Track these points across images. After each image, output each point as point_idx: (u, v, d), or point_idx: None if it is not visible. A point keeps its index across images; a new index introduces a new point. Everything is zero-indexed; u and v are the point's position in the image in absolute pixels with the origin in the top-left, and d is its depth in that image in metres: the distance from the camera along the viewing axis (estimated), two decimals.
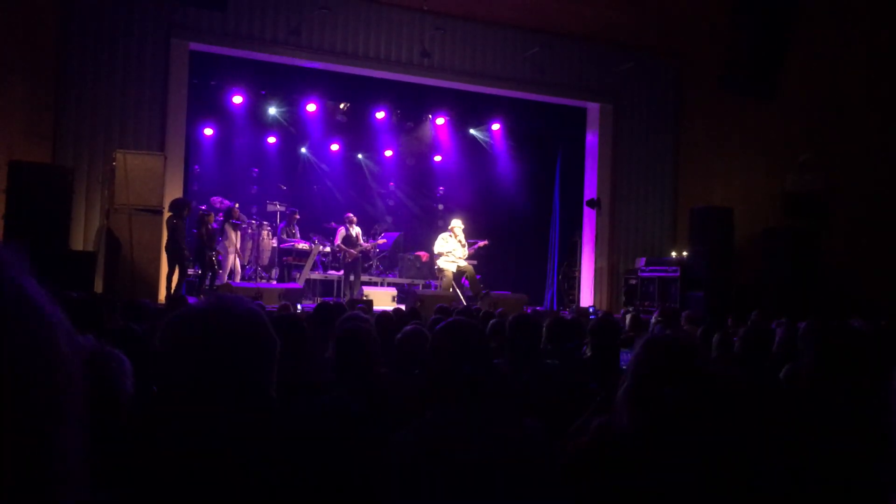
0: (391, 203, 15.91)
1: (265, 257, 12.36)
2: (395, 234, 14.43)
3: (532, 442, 1.91)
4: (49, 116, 9.72)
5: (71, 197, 8.95)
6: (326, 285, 12.80)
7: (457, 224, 11.78)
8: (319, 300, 9.11)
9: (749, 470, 2.18)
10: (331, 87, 12.58)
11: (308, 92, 12.81)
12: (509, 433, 1.91)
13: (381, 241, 13.56)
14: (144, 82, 10.27)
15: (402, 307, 8.71)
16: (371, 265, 13.51)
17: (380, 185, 15.78)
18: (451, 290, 11.28)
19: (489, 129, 14.61)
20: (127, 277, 8.88)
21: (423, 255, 13.35)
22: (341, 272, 12.36)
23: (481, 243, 12.33)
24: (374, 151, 15.47)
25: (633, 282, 12.25)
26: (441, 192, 15.65)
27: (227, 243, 11.18)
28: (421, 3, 11.49)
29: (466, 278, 11.66)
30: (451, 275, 11.44)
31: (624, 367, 2.22)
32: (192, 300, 6.09)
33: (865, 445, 2.15)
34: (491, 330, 4.71)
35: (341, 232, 12.33)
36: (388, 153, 15.44)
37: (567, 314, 9.34)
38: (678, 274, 11.25)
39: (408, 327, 3.97)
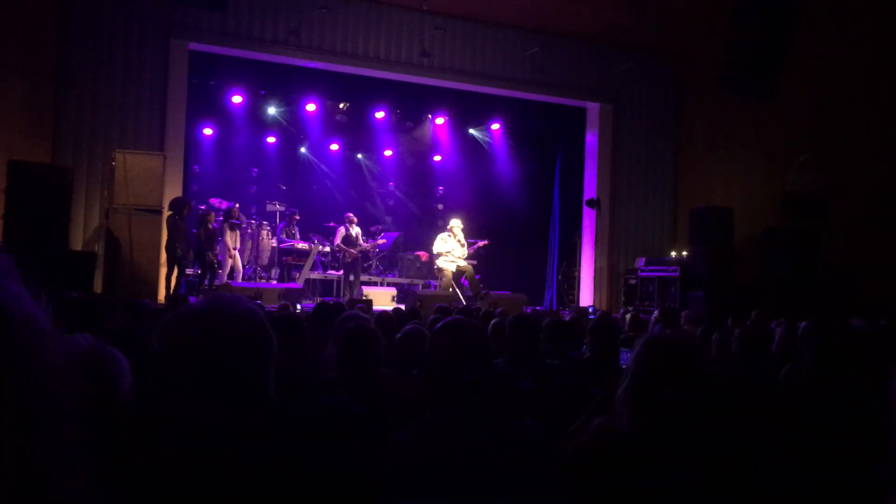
0: (391, 203, 15.91)
1: (265, 257, 12.36)
2: (395, 234, 14.43)
3: (532, 442, 1.91)
4: (49, 116, 9.72)
5: (70, 197, 8.95)
6: (326, 285, 12.80)
7: (455, 224, 11.77)
8: (319, 300, 9.11)
9: (749, 470, 2.18)
10: (330, 86, 12.58)
11: (308, 92, 12.80)
12: (509, 433, 1.90)
13: (380, 242, 13.55)
14: (144, 82, 10.28)
15: (402, 307, 8.71)
16: (371, 265, 13.51)
17: (379, 184, 15.78)
18: (450, 289, 11.28)
19: (489, 129, 14.61)
20: (126, 277, 8.88)
21: (423, 254, 13.35)
22: (341, 272, 12.36)
23: (481, 243, 12.33)
24: (373, 151, 15.47)
25: (633, 282, 12.25)
26: (441, 191, 15.64)
27: (226, 243, 11.17)
28: (420, 2, 11.49)
29: (466, 278, 11.66)
30: (450, 275, 11.44)
31: (623, 367, 2.22)
32: (192, 300, 6.08)
33: (865, 445, 2.14)
34: (492, 330, 4.70)
35: (341, 232, 12.33)
36: (388, 153, 15.44)
37: (566, 314, 9.34)
38: (678, 274, 11.25)
39: (407, 327, 3.97)
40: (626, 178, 13.35)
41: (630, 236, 13.31)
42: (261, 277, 12.01)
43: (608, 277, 13.05)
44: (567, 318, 6.44)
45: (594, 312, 9.52)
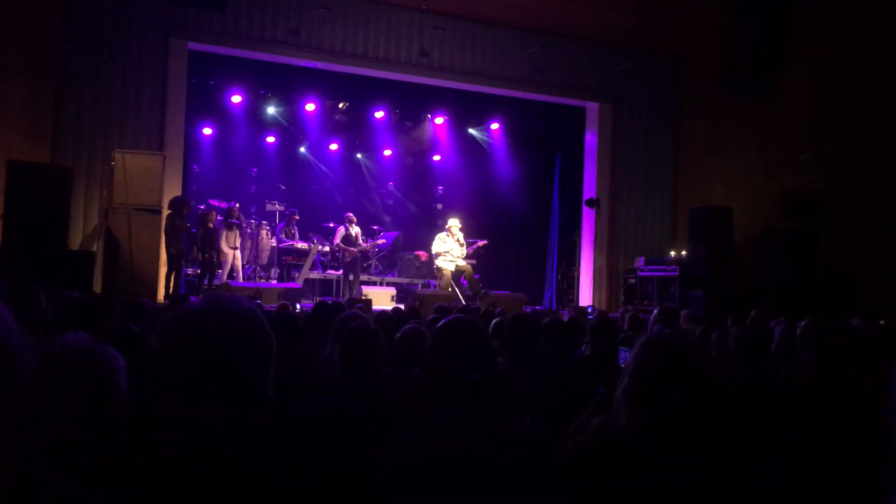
0: (390, 202, 15.90)
1: (264, 257, 12.37)
2: (395, 234, 14.43)
3: (532, 442, 1.91)
4: (48, 116, 9.71)
5: (70, 197, 8.94)
6: (325, 285, 12.80)
7: (453, 223, 11.78)
8: (318, 300, 9.11)
9: (748, 469, 2.18)
10: (330, 86, 12.57)
11: (307, 91, 12.80)
12: (509, 433, 1.90)
13: (380, 242, 13.56)
14: (143, 82, 10.27)
15: (401, 307, 8.71)
16: (370, 265, 13.51)
17: (379, 184, 15.77)
18: (449, 289, 11.28)
19: (488, 129, 14.61)
20: (126, 277, 8.88)
21: (423, 254, 13.35)
22: (340, 272, 12.36)
23: (480, 243, 12.33)
24: (373, 151, 15.46)
25: (633, 281, 12.25)
26: (440, 191, 15.64)
27: (226, 243, 11.18)
28: (420, 2, 11.49)
29: (465, 278, 11.67)
30: (449, 274, 11.44)
31: (623, 366, 2.22)
32: (193, 300, 6.08)
33: (864, 445, 2.15)
34: (494, 330, 4.70)
35: (341, 231, 12.34)
36: (388, 153, 15.43)
37: (566, 314, 9.34)
38: (677, 273, 11.25)
39: (407, 326, 3.97)
40: (626, 177, 13.35)
41: (629, 236, 13.31)
42: (260, 277, 12.01)
43: (607, 277, 13.06)
44: (566, 318, 6.44)
45: (592, 312, 9.52)
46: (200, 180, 13.73)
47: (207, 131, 13.76)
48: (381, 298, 11.66)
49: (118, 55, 10.11)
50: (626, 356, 3.29)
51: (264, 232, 12.37)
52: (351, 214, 12.58)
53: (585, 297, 13.03)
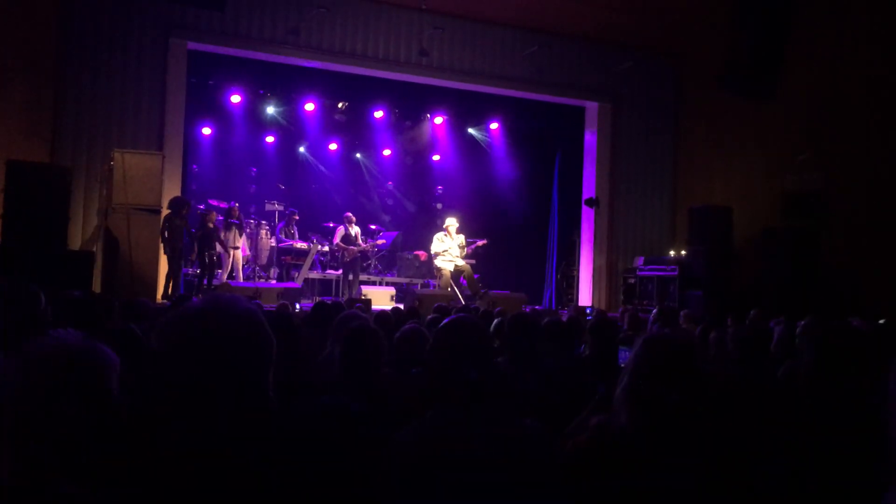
0: (390, 202, 15.90)
1: (263, 257, 12.37)
2: (394, 234, 14.43)
3: (532, 442, 1.91)
4: (47, 116, 9.71)
5: (69, 196, 8.94)
6: (325, 284, 12.80)
7: (451, 222, 11.78)
8: (318, 299, 9.11)
9: (747, 469, 2.18)
10: (329, 86, 12.58)
11: (306, 91, 12.80)
12: (509, 433, 1.90)
13: (380, 242, 13.56)
14: (143, 82, 10.27)
15: (401, 306, 8.71)
16: (369, 264, 13.51)
17: (378, 184, 15.77)
18: (449, 289, 11.28)
19: (488, 129, 14.61)
20: (126, 277, 8.88)
21: (422, 254, 13.35)
22: (340, 271, 12.36)
23: (480, 242, 12.33)
24: (372, 151, 15.45)
25: (632, 281, 12.25)
26: (439, 191, 15.63)
27: (226, 243, 11.18)
28: (419, 2, 11.49)
29: (465, 277, 11.67)
30: (448, 274, 11.44)
31: (622, 366, 2.22)
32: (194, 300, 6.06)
33: (863, 444, 2.15)
34: (494, 330, 4.70)
35: (340, 231, 12.34)
36: (387, 152, 15.43)
37: (565, 313, 9.34)
38: (677, 273, 11.25)
39: (406, 326, 3.97)
40: (626, 177, 13.35)
41: (629, 235, 13.31)
42: (259, 277, 12.01)
43: (607, 276, 13.06)
44: (566, 318, 6.44)
45: (591, 313, 9.52)
46: (200, 180, 13.73)
47: (207, 131, 13.76)
48: (381, 298, 11.66)
49: (118, 55, 10.10)
50: (625, 356, 3.29)
51: (263, 232, 12.37)
52: (350, 214, 12.58)
53: (585, 297, 13.04)
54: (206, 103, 12.45)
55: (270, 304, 8.28)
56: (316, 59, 11.48)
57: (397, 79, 12.24)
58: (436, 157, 15.58)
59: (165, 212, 9.50)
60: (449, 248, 11.58)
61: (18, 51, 9.52)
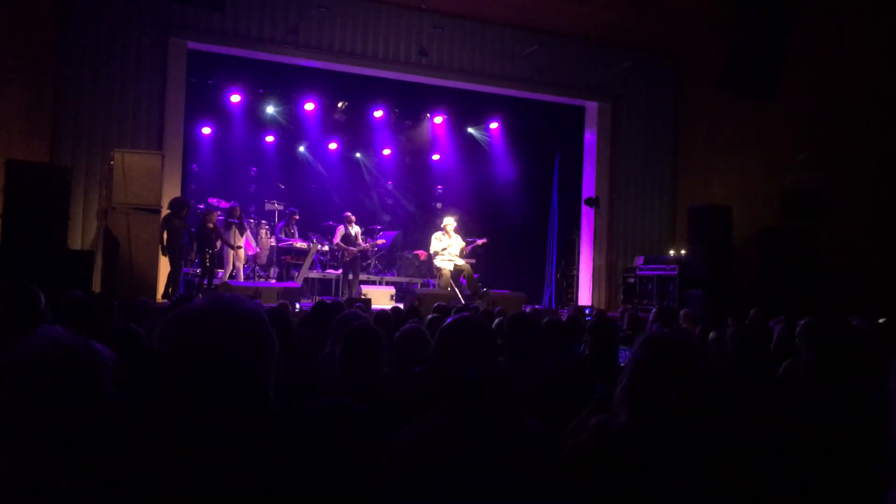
0: (389, 202, 15.91)
1: (263, 256, 12.37)
2: (394, 233, 14.43)
3: (532, 442, 1.91)
4: (47, 116, 9.71)
5: (69, 196, 8.93)
6: (325, 284, 12.80)
7: (449, 221, 11.79)
8: (318, 299, 9.11)
9: (747, 468, 2.18)
10: (329, 85, 12.58)
11: (306, 91, 12.80)
12: (510, 433, 1.90)
13: (379, 242, 13.56)
14: (142, 81, 10.26)
15: (401, 306, 8.71)
16: (369, 264, 13.51)
17: (378, 183, 15.77)
18: (449, 288, 11.28)
19: (487, 128, 14.61)
20: (126, 276, 8.88)
21: (422, 253, 13.35)
22: (339, 271, 12.37)
23: (479, 242, 12.33)
24: (372, 150, 15.45)
25: (632, 280, 12.26)
26: (439, 190, 15.64)
27: (229, 242, 11.18)
28: (419, 1, 11.49)
29: (464, 277, 11.67)
30: (448, 273, 11.45)
31: (622, 365, 2.22)
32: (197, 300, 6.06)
33: (863, 443, 2.15)
34: (495, 329, 4.70)
35: (340, 231, 12.35)
36: (387, 152, 15.43)
37: (565, 313, 9.34)
38: (676, 272, 11.25)
39: (406, 326, 3.97)
40: (625, 176, 13.36)
41: (629, 235, 13.31)
42: (259, 276, 12.01)
43: (607, 276, 13.06)
44: (565, 317, 6.44)
45: (590, 313, 9.52)
46: (200, 180, 13.73)
47: (206, 131, 13.76)
48: (381, 298, 11.66)
49: (117, 54, 10.10)
50: (625, 355, 3.30)
51: (263, 231, 12.37)
52: (350, 214, 12.58)
53: (585, 296, 13.04)
54: (205, 103, 12.45)
55: (270, 304, 8.28)
56: (315, 58, 11.47)
57: (397, 78, 12.24)
58: (435, 157, 15.59)
59: (165, 212, 9.50)
60: (447, 246, 11.58)
61: (18, 51, 9.51)
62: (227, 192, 13.00)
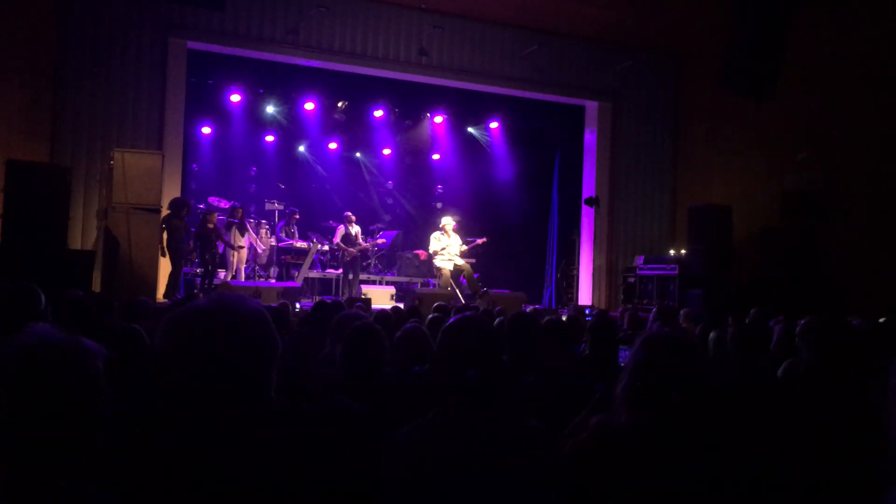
0: (389, 201, 15.90)
1: (263, 256, 12.37)
2: (394, 233, 14.43)
3: (532, 442, 1.91)
4: (47, 115, 9.71)
5: (69, 196, 8.93)
6: (325, 284, 12.80)
7: (447, 221, 11.80)
8: (318, 299, 9.11)
9: (747, 468, 2.18)
10: (329, 85, 12.57)
11: (306, 90, 12.80)
12: (511, 433, 1.90)
13: (380, 241, 13.56)
14: (142, 81, 10.27)
15: (401, 306, 8.71)
16: (369, 263, 13.52)
17: (378, 183, 15.77)
18: (449, 288, 11.29)
19: (487, 128, 14.61)
20: (126, 276, 8.88)
21: (422, 253, 13.35)
22: (340, 271, 12.37)
23: (479, 241, 12.33)
24: (372, 150, 15.45)
25: (632, 280, 12.26)
26: (439, 190, 15.64)
27: (231, 242, 11.19)
28: (419, 1, 11.49)
29: (464, 277, 11.68)
30: (448, 273, 11.45)
31: (622, 365, 2.23)
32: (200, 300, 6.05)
33: (863, 442, 2.15)
34: (497, 329, 4.69)
35: (340, 230, 12.35)
36: (387, 151, 15.42)
37: (565, 312, 9.34)
38: (676, 272, 11.26)
39: (407, 325, 3.97)
40: (625, 176, 13.36)
41: (629, 234, 13.32)
42: (259, 276, 12.01)
43: (607, 276, 13.06)
44: (566, 317, 6.44)
45: (590, 314, 9.53)
46: (199, 179, 13.73)
47: (206, 130, 13.76)
48: (381, 297, 11.66)
49: (117, 54, 10.10)
50: (625, 355, 3.30)
51: (264, 231, 12.37)
52: (350, 213, 12.58)
53: (585, 296, 13.04)
54: (205, 103, 12.45)
55: (271, 304, 8.28)
56: (315, 58, 11.48)
57: (397, 78, 12.24)
58: (435, 157, 15.59)
59: (165, 212, 9.50)
60: (447, 246, 11.58)
61: (17, 50, 9.51)
62: (227, 192, 13.00)
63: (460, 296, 11.19)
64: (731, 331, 3.89)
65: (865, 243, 10.13)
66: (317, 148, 15.01)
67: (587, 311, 9.00)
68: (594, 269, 13.12)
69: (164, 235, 9.49)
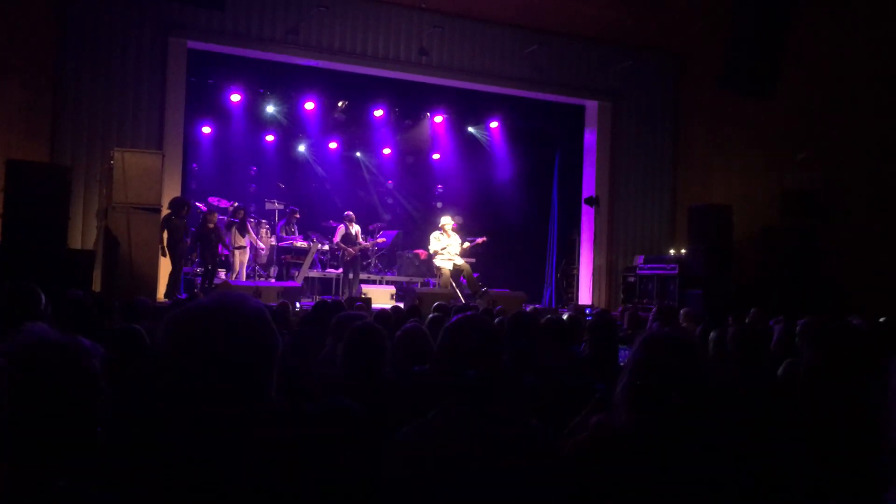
0: (389, 201, 15.90)
1: (264, 256, 12.37)
2: (394, 233, 14.43)
3: (532, 441, 1.91)
4: (47, 116, 9.71)
5: (69, 196, 8.93)
6: (325, 283, 12.81)
7: (446, 220, 11.81)
8: (318, 298, 9.12)
9: (747, 467, 2.18)
10: (329, 85, 12.58)
11: (306, 90, 12.80)
12: (510, 433, 1.90)
13: (380, 241, 13.56)
14: (142, 81, 10.27)
15: (401, 305, 8.72)
16: (370, 263, 13.52)
17: (378, 183, 15.77)
18: (449, 287, 11.29)
19: (487, 127, 14.61)
20: (126, 276, 8.88)
21: (422, 253, 13.35)
22: (340, 270, 12.37)
23: (479, 240, 12.33)
24: (372, 149, 15.45)
25: (632, 280, 12.26)
26: (439, 190, 15.64)
27: (232, 242, 11.19)
28: (419, 1, 11.49)
29: (464, 276, 11.68)
30: (448, 273, 11.45)
31: (622, 365, 2.23)
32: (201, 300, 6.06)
33: (863, 443, 2.15)
34: (498, 328, 4.69)
35: (341, 230, 12.35)
36: (387, 151, 15.42)
37: (565, 312, 9.33)
38: (676, 272, 11.26)
39: (407, 325, 3.96)
40: (625, 176, 13.36)
41: (629, 234, 13.32)
42: (260, 276, 12.02)
43: (607, 275, 13.06)
44: (565, 317, 6.43)
45: (590, 313, 9.52)
46: (200, 179, 13.73)
47: (206, 130, 13.75)
48: (381, 297, 11.66)
49: (117, 54, 10.10)
50: (625, 355, 3.29)
51: (264, 230, 12.37)
52: (350, 213, 12.58)
53: (585, 296, 13.04)
54: (205, 102, 12.45)
55: (271, 303, 8.29)
56: (315, 58, 11.48)
57: (397, 77, 12.25)
58: (436, 156, 15.58)
59: (165, 211, 9.51)
60: (446, 246, 11.58)
61: (17, 50, 9.51)
62: (227, 192, 13.00)
63: (460, 295, 11.19)
64: (731, 331, 3.89)
65: (865, 243, 10.13)
66: (317, 147, 15.01)
67: (587, 311, 9.00)
68: (594, 268, 13.12)
69: (165, 235, 9.49)
